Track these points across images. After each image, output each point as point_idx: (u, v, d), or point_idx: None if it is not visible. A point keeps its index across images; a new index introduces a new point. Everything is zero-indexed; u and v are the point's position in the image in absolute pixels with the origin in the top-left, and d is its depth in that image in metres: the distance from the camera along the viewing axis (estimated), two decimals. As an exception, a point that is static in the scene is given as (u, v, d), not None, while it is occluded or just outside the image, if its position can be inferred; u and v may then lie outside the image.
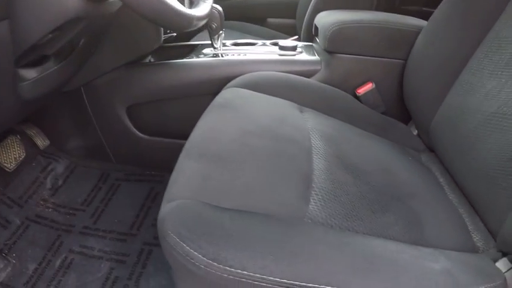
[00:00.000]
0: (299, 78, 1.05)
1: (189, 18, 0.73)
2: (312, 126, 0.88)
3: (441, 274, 0.55)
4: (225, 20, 1.88)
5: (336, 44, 1.08)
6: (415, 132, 1.04)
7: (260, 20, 2.07)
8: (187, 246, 0.52)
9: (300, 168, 0.73)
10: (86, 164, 1.31)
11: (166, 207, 0.58)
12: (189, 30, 0.77)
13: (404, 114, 1.06)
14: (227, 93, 0.94)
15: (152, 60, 1.19)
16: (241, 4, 2.07)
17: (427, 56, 0.97)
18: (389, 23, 1.07)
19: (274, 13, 2.08)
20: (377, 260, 0.54)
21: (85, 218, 1.13)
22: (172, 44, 1.32)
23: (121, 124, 1.19)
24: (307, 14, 1.50)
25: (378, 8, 1.46)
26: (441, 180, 0.90)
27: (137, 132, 1.21)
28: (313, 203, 0.65)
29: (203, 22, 0.82)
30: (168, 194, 0.62)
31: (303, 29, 1.57)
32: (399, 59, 1.07)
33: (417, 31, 1.04)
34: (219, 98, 0.91)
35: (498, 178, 0.69)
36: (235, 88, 0.97)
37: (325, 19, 1.13)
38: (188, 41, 1.42)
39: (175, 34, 1.34)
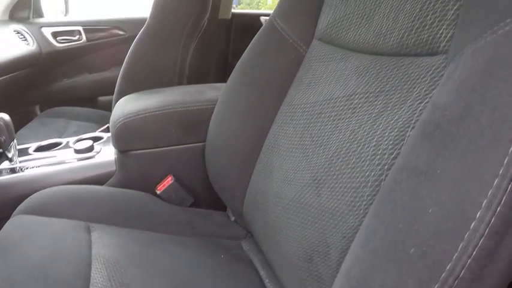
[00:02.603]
0: (87, 189, 0.88)
1: None
2: (96, 251, 0.71)
3: None
4: (52, 106, 1.72)
5: (125, 141, 0.93)
6: (233, 218, 0.92)
7: (91, 100, 1.98)
8: None
9: None
10: None
11: None
12: None
13: (221, 200, 0.94)
14: (8, 226, 0.77)
15: None
16: (66, 87, 1.96)
17: (223, 134, 0.87)
18: (181, 104, 0.95)
19: (104, 91, 1.97)
20: None
21: None
22: None
23: None
24: (113, 99, 1.35)
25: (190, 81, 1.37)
26: (262, 273, 0.78)
27: None
28: None
29: None
30: None
31: None
32: (198, 142, 0.95)
33: (213, 106, 0.93)
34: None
35: (306, 281, 0.57)
36: (20, 216, 0.80)
37: (116, 110, 0.99)
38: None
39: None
